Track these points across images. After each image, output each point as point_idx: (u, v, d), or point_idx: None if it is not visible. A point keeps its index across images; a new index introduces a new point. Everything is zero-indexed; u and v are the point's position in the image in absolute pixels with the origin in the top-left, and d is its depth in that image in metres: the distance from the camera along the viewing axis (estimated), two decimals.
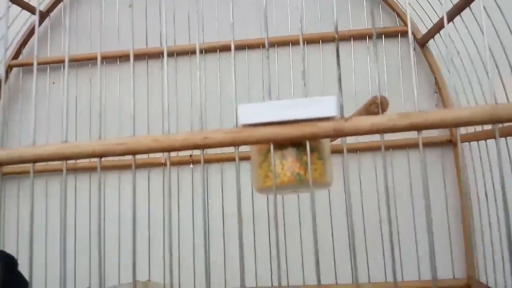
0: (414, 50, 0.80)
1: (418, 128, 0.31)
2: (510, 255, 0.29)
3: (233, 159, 0.79)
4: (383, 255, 0.74)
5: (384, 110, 0.36)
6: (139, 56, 0.83)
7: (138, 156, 0.35)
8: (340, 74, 0.33)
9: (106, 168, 0.80)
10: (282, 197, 0.77)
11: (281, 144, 0.35)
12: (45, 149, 0.34)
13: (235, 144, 0.33)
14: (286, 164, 0.35)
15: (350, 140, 0.68)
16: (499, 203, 0.63)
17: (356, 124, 0.32)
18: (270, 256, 0.76)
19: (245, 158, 0.70)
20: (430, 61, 0.78)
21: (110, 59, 0.84)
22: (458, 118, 0.31)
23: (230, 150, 0.74)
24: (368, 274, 0.75)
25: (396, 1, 0.80)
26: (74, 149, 0.34)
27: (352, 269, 0.75)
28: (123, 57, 0.83)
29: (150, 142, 0.34)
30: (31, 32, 0.86)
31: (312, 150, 0.35)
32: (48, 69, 0.85)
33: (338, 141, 0.48)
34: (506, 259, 0.62)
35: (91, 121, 0.82)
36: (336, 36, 0.34)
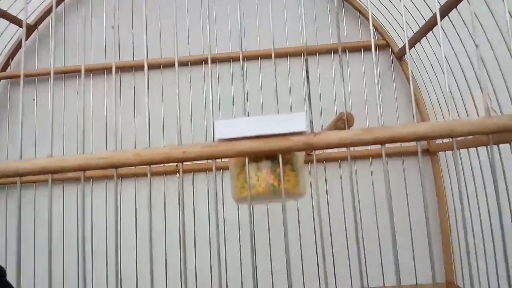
0: (392, 62, 0.83)
1: (381, 142, 0.34)
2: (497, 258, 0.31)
3: (205, 170, 0.82)
4: (365, 261, 0.77)
5: (350, 125, 0.38)
6: (125, 68, 0.85)
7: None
8: (309, 92, 0.35)
9: (94, 178, 0.82)
10: (267, 206, 0.79)
11: (256, 157, 0.37)
12: (33, 163, 0.36)
13: (212, 157, 0.35)
14: (261, 176, 0.37)
15: (324, 150, 0.71)
16: (473, 209, 0.66)
17: (325, 138, 0.34)
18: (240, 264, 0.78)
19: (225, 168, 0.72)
20: (407, 73, 0.81)
21: (97, 71, 0.86)
22: (417, 133, 0.33)
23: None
24: (351, 282, 0.77)
25: (373, 15, 0.83)
26: (60, 163, 0.36)
27: (319, 278, 0.77)
28: (109, 69, 0.85)
29: (131, 156, 0.35)
30: (19, 45, 0.87)
31: (285, 163, 0.37)
32: (36, 81, 0.87)
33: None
34: (483, 264, 0.65)
35: (78, 133, 0.83)
36: (304, 55, 0.36)
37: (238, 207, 0.78)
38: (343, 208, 0.78)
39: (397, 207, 0.78)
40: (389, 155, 0.80)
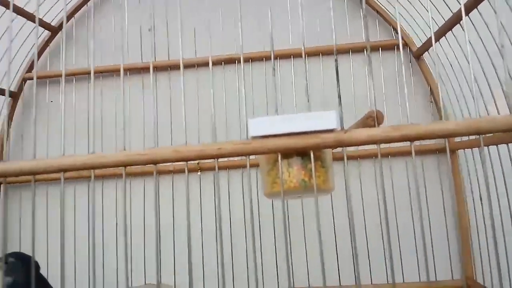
0: (410, 61, 0.84)
1: (409, 139, 0.35)
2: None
3: (239, 167, 0.83)
4: (384, 257, 0.78)
5: (379, 123, 0.40)
6: (161, 68, 0.87)
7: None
8: (339, 91, 0.37)
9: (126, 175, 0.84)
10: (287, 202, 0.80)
11: (287, 154, 0.39)
12: (74, 159, 0.38)
13: (246, 154, 0.37)
14: (292, 172, 0.39)
15: (351, 148, 0.72)
16: (494, 205, 0.67)
17: (354, 135, 0.36)
18: (276, 259, 0.79)
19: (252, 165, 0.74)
20: (426, 72, 0.82)
21: (133, 71, 0.88)
22: (445, 130, 0.35)
23: (237, 158, 0.79)
24: (370, 276, 0.78)
25: (391, 15, 0.84)
26: (101, 160, 0.38)
27: (354, 271, 0.78)
28: (145, 69, 0.87)
29: (170, 153, 0.37)
30: (44, 46, 0.90)
31: (315, 159, 0.39)
32: (74, 81, 0.89)
33: (339, 149, 0.52)
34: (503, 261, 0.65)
35: (117, 132, 0.84)
36: (335, 56, 0.38)
37: (272, 203, 0.79)
38: (363, 206, 0.79)
39: (415, 205, 0.79)
40: (408, 153, 0.80)
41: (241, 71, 0.40)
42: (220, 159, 0.38)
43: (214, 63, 0.86)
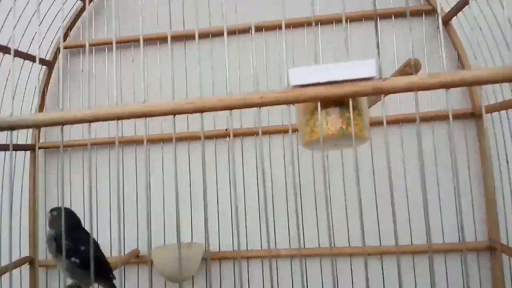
0: (438, 27, 0.84)
1: (446, 86, 0.37)
2: None
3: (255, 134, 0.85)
4: (408, 220, 0.80)
5: (417, 71, 0.41)
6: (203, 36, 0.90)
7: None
8: (378, 41, 0.38)
9: (151, 142, 0.88)
10: (313, 170, 0.83)
11: (325, 103, 0.41)
12: (128, 108, 0.41)
13: (287, 102, 0.39)
14: (330, 120, 0.41)
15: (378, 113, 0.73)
16: None
17: (393, 83, 0.37)
18: (316, 216, 0.83)
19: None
20: (454, 38, 0.81)
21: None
22: (477, 77, 0.36)
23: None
24: (411, 237, 0.80)
25: None
26: (152, 108, 0.40)
27: (394, 233, 0.81)
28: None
29: (215, 101, 0.40)
30: (76, 16, 0.93)
31: (353, 108, 0.41)
32: (106, 50, 0.92)
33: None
34: None
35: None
36: (375, 11, 0.39)
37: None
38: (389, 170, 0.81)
39: (441, 168, 0.80)
40: (433, 118, 0.81)
41: (282, 36, 0.41)
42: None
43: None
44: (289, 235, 0.83)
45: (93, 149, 0.89)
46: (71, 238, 0.61)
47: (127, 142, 0.88)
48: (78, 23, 0.94)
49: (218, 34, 0.89)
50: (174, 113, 0.40)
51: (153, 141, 0.88)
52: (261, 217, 0.84)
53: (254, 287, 0.84)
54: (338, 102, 0.41)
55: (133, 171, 0.89)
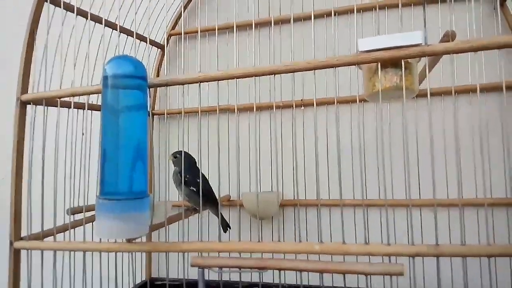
0: (495, 8, 0.93)
1: (477, 49, 0.50)
2: None
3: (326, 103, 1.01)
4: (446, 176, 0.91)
5: (453, 39, 0.55)
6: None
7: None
8: (425, 17, 0.53)
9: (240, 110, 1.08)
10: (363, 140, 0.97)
11: (384, 65, 0.57)
12: (240, 70, 0.60)
13: (357, 63, 0.55)
14: (387, 77, 0.56)
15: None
16: None
17: (433, 48, 0.52)
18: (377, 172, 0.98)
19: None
20: (509, 19, 0.90)
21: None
22: (508, 41, 0.49)
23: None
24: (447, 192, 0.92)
25: None
26: (259, 69, 0.59)
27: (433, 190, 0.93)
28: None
29: (304, 64, 0.57)
30: (184, 7, 1.16)
31: (404, 69, 0.56)
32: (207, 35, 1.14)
33: (422, 65, 0.67)
34: None
35: None
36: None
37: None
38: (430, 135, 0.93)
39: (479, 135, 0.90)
40: (473, 90, 0.90)
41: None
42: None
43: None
44: (353, 187, 0.99)
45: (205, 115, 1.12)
46: (190, 172, 0.83)
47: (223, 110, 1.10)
48: (185, 13, 1.17)
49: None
50: (274, 73, 0.58)
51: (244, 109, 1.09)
52: (330, 171, 1.01)
53: (324, 231, 1.01)
54: (394, 64, 0.56)
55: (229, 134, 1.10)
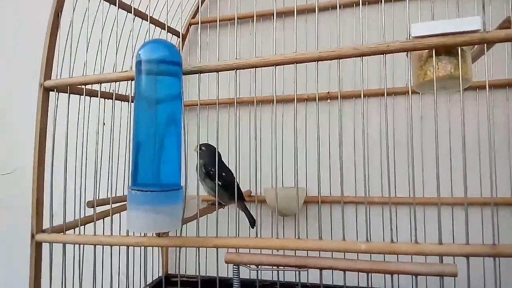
0: None
1: None
2: None
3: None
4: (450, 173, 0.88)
5: None
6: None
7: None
8: (484, 2, 0.49)
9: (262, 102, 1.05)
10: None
11: (437, 51, 0.53)
12: (263, 59, 0.56)
13: (410, 49, 0.52)
14: (440, 65, 0.53)
15: None
16: None
17: (494, 34, 0.48)
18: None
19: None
20: None
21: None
22: None
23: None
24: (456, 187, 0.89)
25: None
26: (301, 56, 0.55)
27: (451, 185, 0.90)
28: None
29: (351, 50, 0.54)
30: None
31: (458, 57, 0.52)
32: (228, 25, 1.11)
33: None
34: None
35: None
36: None
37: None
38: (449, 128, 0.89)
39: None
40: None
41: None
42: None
43: None
44: (381, 184, 0.96)
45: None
46: (215, 166, 0.79)
47: (243, 103, 1.06)
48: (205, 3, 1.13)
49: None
50: (320, 59, 0.55)
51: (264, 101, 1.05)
52: (357, 168, 0.97)
53: (348, 229, 0.98)
54: (447, 51, 0.53)
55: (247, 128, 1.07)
